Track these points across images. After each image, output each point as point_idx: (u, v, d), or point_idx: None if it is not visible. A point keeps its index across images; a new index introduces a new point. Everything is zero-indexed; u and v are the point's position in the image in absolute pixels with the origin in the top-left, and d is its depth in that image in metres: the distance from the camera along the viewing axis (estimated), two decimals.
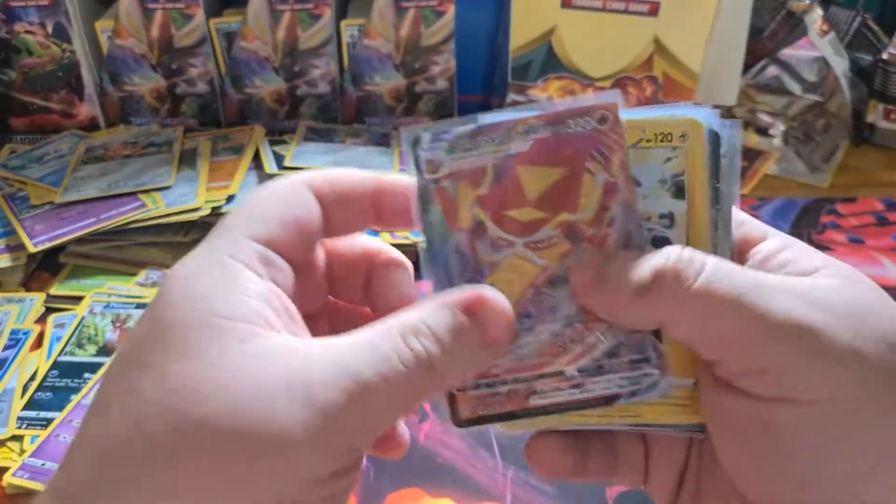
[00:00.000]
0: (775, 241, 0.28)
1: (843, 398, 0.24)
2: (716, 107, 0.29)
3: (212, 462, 0.22)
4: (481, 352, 0.26)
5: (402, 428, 0.31)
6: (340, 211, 0.29)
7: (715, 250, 0.28)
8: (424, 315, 0.26)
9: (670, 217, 0.29)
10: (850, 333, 0.24)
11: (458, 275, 0.29)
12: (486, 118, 0.28)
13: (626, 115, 0.28)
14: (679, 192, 0.29)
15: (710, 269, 0.26)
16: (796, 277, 0.26)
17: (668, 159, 0.29)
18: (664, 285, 0.26)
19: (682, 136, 0.28)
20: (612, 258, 0.27)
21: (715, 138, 0.28)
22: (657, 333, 0.29)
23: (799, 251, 0.28)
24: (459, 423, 0.29)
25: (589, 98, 0.28)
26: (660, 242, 0.29)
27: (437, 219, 0.29)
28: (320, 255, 0.31)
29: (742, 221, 0.29)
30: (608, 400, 0.29)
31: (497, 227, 0.29)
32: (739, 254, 0.29)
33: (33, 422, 0.55)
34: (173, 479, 0.22)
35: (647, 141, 0.29)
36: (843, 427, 0.24)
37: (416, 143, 0.28)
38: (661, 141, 0.29)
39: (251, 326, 0.24)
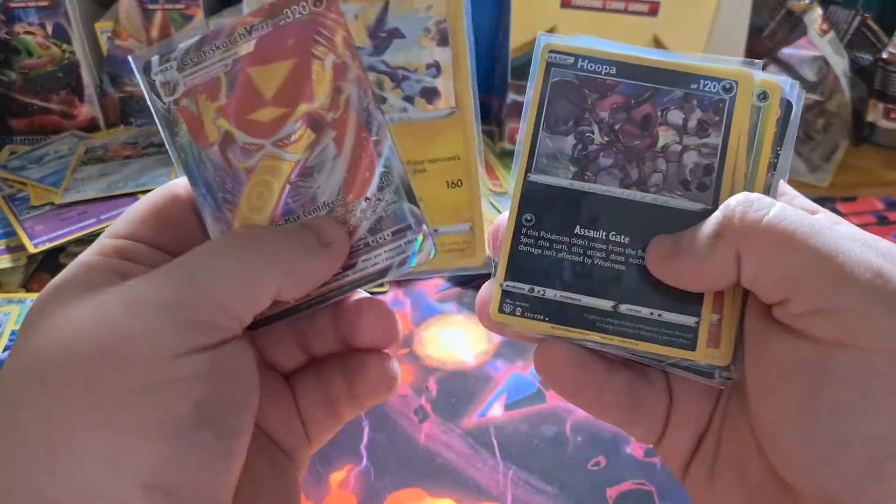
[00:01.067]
0: (826, 216, 0.28)
1: None
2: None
3: (72, 368, 0.24)
4: (322, 252, 0.28)
5: (392, 365, 0.32)
6: None
7: None
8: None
9: (436, 66, 0.29)
10: None
11: (219, 187, 0.29)
12: (208, 27, 0.28)
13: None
14: (443, 39, 0.29)
15: (780, 206, 0.26)
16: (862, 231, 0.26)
17: (429, 7, 0.29)
18: (736, 222, 0.26)
19: None
20: (682, 233, 0.28)
21: (788, 106, 0.29)
22: (413, 199, 0.29)
23: (851, 228, 0.27)
24: (251, 326, 0.30)
25: None
26: (429, 94, 0.29)
27: (186, 139, 0.29)
28: None
29: (795, 195, 0.29)
30: (381, 273, 0.29)
31: (243, 133, 0.29)
32: None
33: None
34: (54, 393, 0.23)
35: None
36: None
37: (146, 69, 0.28)
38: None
39: (91, 286, 0.26)
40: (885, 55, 0.83)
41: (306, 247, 0.28)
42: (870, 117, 0.86)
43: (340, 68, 0.28)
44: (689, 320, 0.29)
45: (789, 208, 0.26)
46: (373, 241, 0.29)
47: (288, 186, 0.29)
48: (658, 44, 0.78)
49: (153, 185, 0.74)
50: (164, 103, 0.28)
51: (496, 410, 0.55)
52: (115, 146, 0.82)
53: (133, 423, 0.23)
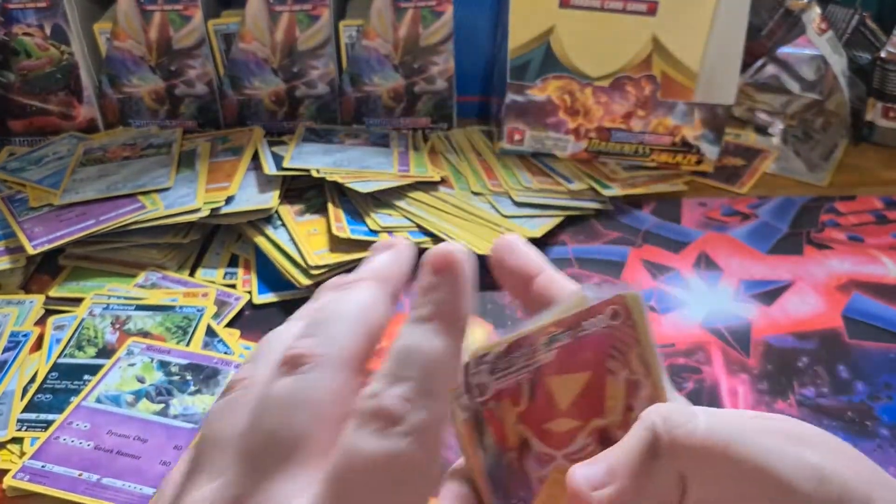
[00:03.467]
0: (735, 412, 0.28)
1: None
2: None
3: None
4: None
5: None
6: None
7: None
8: None
9: None
10: (852, 471, 0.24)
11: (513, 493, 0.29)
12: (513, 333, 0.28)
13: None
14: None
15: (703, 414, 0.25)
16: (770, 417, 0.26)
17: None
18: (667, 439, 0.25)
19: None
20: (609, 457, 0.26)
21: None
22: None
23: (769, 421, 0.27)
24: None
25: (600, 293, 0.28)
26: None
27: (491, 441, 0.29)
28: None
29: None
30: None
31: (540, 442, 0.29)
32: None
33: (33, 424, 0.55)
34: None
35: None
36: None
37: (466, 368, 0.29)
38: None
39: None
40: (883, 54, 0.83)
41: None
42: (868, 116, 0.86)
43: (633, 385, 0.28)
44: None
45: (709, 412, 0.25)
46: None
47: None
48: (657, 43, 0.79)
49: (152, 186, 0.74)
50: (475, 404, 0.29)
51: None
52: (114, 147, 0.82)
53: None
